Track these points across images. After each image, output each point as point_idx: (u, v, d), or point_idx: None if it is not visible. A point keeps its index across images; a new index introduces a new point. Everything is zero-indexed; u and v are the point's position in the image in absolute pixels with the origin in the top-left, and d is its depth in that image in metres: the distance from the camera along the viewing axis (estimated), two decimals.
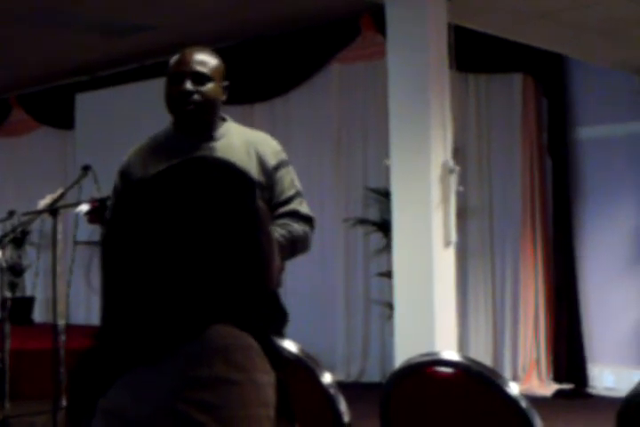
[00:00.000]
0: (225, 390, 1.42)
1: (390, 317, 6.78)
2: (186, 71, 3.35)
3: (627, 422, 2.16)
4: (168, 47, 9.21)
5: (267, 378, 1.47)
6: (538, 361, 7.94)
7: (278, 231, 3.33)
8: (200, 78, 3.35)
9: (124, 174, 3.49)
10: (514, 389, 2.31)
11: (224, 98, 3.47)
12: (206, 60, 3.40)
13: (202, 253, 1.49)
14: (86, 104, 10.87)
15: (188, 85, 3.34)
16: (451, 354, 2.48)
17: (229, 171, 1.59)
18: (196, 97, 3.34)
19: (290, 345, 2.54)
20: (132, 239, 1.52)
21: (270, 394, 1.47)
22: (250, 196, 1.58)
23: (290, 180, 3.48)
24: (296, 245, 3.44)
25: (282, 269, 3.52)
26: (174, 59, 3.43)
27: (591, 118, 8.07)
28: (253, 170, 3.36)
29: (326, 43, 8.88)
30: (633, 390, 2.15)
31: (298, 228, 3.43)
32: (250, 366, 1.45)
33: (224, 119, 3.53)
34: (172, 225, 1.50)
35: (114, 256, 1.55)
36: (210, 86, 3.36)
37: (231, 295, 1.52)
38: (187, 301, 1.49)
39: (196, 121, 3.41)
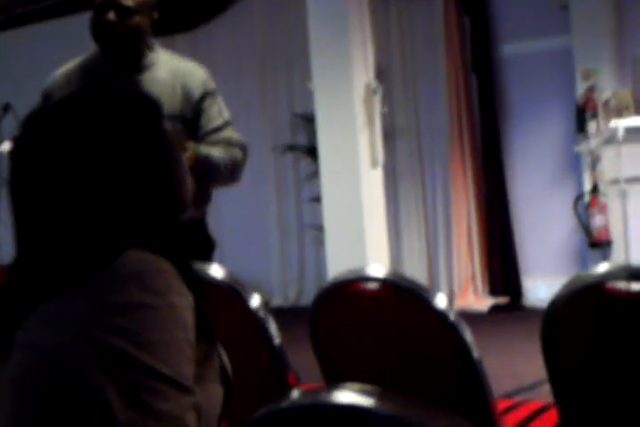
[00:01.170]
0: (142, 315, 1.41)
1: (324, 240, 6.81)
2: (110, 2, 3.28)
3: (550, 326, 2.19)
4: None
5: (184, 301, 1.46)
6: (473, 277, 8.03)
7: (217, 154, 3.32)
8: (124, 11, 3.27)
9: (47, 96, 3.43)
10: (441, 301, 2.33)
11: (151, 29, 3.40)
12: None
13: (108, 177, 1.47)
14: (2, 44, 10.64)
15: (111, 17, 3.26)
16: (376, 270, 2.48)
17: (132, 96, 1.58)
18: (118, 29, 3.27)
19: (216, 270, 2.52)
20: (37, 168, 1.50)
21: (188, 317, 1.46)
22: (155, 119, 1.56)
23: (217, 109, 3.44)
24: (235, 171, 3.43)
25: (209, 199, 3.50)
26: None
27: (515, 35, 8.04)
28: (177, 102, 3.33)
29: None
30: (555, 295, 2.18)
31: (238, 153, 3.41)
32: (165, 289, 1.44)
33: (152, 49, 3.46)
34: (76, 151, 1.48)
35: (20, 186, 1.53)
36: (135, 19, 3.30)
37: (142, 219, 1.50)
38: (97, 227, 1.47)
39: (118, 53, 3.36)
